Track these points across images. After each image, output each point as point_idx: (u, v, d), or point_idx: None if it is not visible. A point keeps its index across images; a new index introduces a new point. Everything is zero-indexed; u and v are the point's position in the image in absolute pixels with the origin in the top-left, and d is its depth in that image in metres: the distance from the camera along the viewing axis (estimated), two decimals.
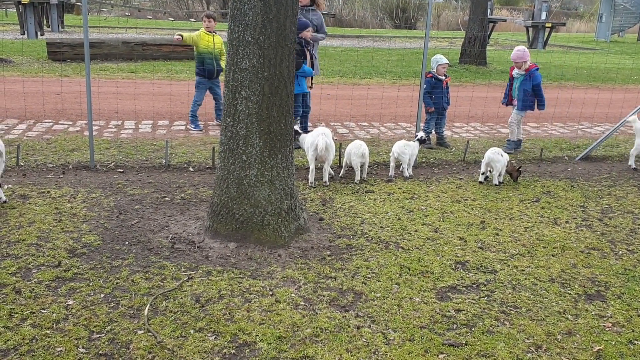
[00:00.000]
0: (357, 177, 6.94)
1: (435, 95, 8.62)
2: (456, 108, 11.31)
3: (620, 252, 5.30)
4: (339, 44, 25.24)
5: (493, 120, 10.91)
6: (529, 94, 8.42)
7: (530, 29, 28.72)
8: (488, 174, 7.12)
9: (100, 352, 3.47)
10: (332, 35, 31.50)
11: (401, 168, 7.25)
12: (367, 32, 34.98)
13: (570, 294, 4.47)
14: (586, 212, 6.31)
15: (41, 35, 21.58)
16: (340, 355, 3.55)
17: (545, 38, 28.18)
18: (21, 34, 21.67)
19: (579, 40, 35.30)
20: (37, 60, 15.31)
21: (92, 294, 4.08)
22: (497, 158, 6.94)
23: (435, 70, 8.63)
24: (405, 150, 7.14)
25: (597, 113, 11.82)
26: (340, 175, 7.10)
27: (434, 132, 8.88)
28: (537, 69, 8.47)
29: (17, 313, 3.80)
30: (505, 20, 34.05)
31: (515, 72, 8.59)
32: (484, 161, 7.04)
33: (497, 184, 7.01)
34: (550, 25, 27.96)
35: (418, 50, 22.74)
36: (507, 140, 8.90)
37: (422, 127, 8.60)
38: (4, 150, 5.80)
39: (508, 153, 7.64)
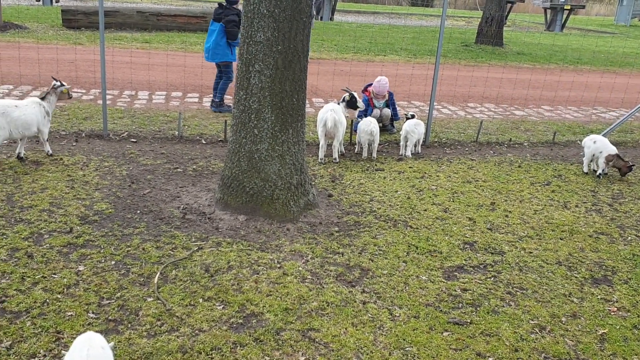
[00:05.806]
0: (364, 154, 6.96)
1: None
2: (470, 89, 11.23)
3: (629, 237, 5.29)
4: (354, 20, 25.01)
5: (507, 102, 10.81)
6: None
7: (549, 11, 28.25)
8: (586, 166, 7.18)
9: (110, 317, 3.54)
10: (347, 11, 31.20)
11: (405, 146, 7.21)
12: (383, 8, 34.61)
13: (576, 277, 4.48)
14: (597, 196, 6.28)
15: (56, 2, 21.53)
16: (346, 329, 3.60)
17: (563, 20, 27.73)
18: (36, 1, 21.63)
19: (598, 23, 34.73)
20: (52, 27, 15.29)
21: (102, 261, 4.14)
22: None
23: None
24: (416, 129, 7.12)
25: (613, 98, 11.68)
26: (356, 151, 7.12)
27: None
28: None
29: (29, 277, 3.87)
30: (523, 1, 33.33)
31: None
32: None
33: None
34: (569, 7, 27.46)
35: (434, 28, 22.49)
36: None
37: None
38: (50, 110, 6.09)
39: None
